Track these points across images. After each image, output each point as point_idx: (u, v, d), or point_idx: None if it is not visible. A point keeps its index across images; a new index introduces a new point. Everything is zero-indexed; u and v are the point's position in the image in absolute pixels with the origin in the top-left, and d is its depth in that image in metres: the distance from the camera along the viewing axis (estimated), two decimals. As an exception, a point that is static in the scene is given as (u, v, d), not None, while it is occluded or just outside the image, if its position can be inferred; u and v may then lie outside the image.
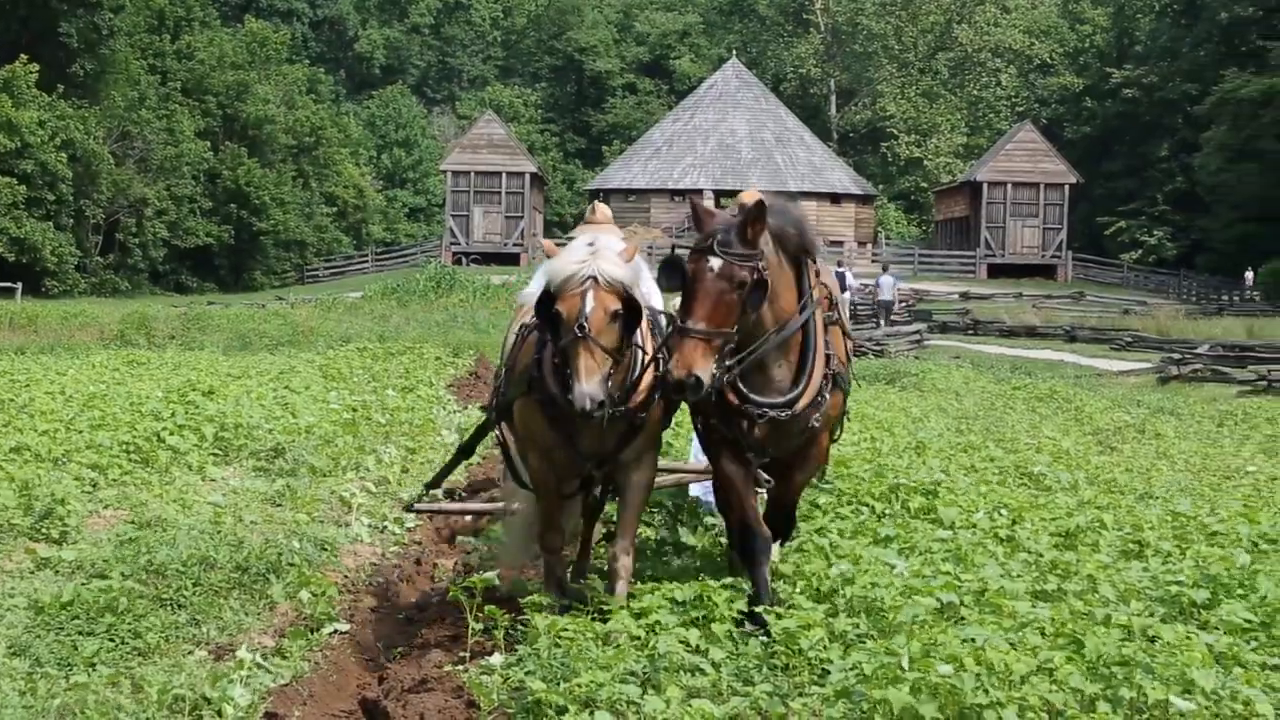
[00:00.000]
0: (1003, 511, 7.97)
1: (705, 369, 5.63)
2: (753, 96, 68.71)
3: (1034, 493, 9.43)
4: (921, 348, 32.89)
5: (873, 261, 58.68)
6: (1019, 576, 6.33)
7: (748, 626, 5.85)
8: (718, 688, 5.08)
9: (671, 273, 5.90)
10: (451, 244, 63.29)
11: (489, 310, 38.45)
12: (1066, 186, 62.13)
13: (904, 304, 43.90)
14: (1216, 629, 5.60)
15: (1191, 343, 30.07)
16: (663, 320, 6.65)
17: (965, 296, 50.35)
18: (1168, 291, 57.75)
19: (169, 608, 6.67)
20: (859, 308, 39.54)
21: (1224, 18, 62.62)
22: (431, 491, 8.46)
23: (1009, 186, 61.94)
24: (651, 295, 6.66)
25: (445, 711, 5.43)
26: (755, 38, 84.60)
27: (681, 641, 5.37)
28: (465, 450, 7.92)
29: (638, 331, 6.13)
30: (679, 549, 7.66)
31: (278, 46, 69.55)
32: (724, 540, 7.17)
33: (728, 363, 5.78)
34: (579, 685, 4.96)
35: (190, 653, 6.21)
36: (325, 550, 8.25)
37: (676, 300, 6.18)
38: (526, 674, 5.27)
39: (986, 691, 4.56)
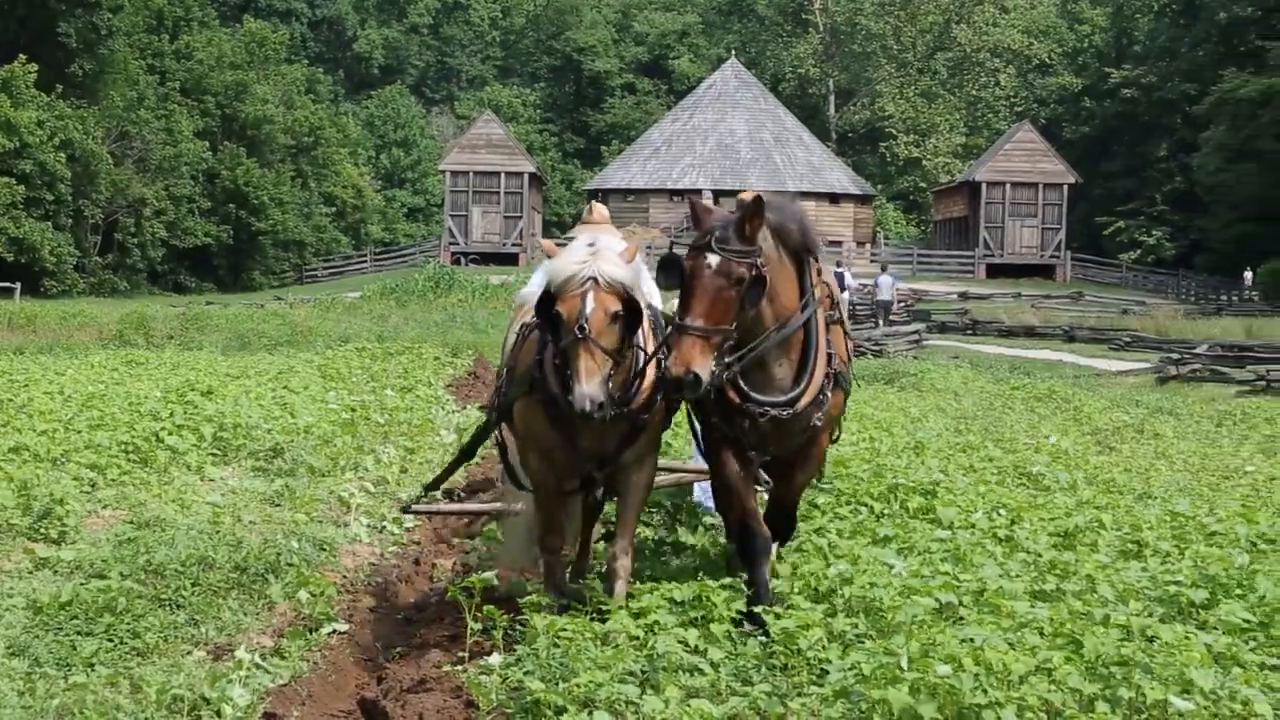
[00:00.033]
0: (1001, 511, 7.97)
1: (704, 366, 5.61)
2: (751, 96, 68.73)
3: (1033, 493, 9.43)
4: (920, 348, 32.90)
5: (871, 261, 58.70)
6: (1017, 576, 6.33)
7: (746, 626, 5.85)
8: (716, 688, 5.08)
9: (669, 271, 5.89)
10: (450, 244, 63.30)
11: (488, 310, 38.46)
12: (1065, 186, 62.15)
13: (902, 304, 43.91)
14: (1215, 629, 5.60)
15: (1190, 343, 30.07)
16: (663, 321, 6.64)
17: (964, 296, 50.37)
18: (1166, 291, 57.78)
19: (168, 608, 6.66)
20: (858, 308, 39.55)
21: (1223, 18, 62.64)
22: (430, 493, 8.45)
23: (1008, 186, 61.96)
24: (652, 295, 6.66)
25: (444, 711, 5.43)
26: (754, 38, 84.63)
27: (680, 641, 5.37)
28: (466, 453, 7.91)
29: (639, 332, 6.12)
30: (678, 549, 7.66)
31: (276, 46, 69.54)
32: (723, 540, 7.16)
33: (727, 360, 5.77)
34: (578, 685, 4.96)
35: (189, 653, 6.21)
36: (324, 550, 8.25)
37: (675, 300, 6.18)
38: (525, 674, 5.26)
39: (985, 691, 4.56)
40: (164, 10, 62.66)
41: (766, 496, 6.87)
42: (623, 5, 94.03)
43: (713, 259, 5.70)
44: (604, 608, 5.94)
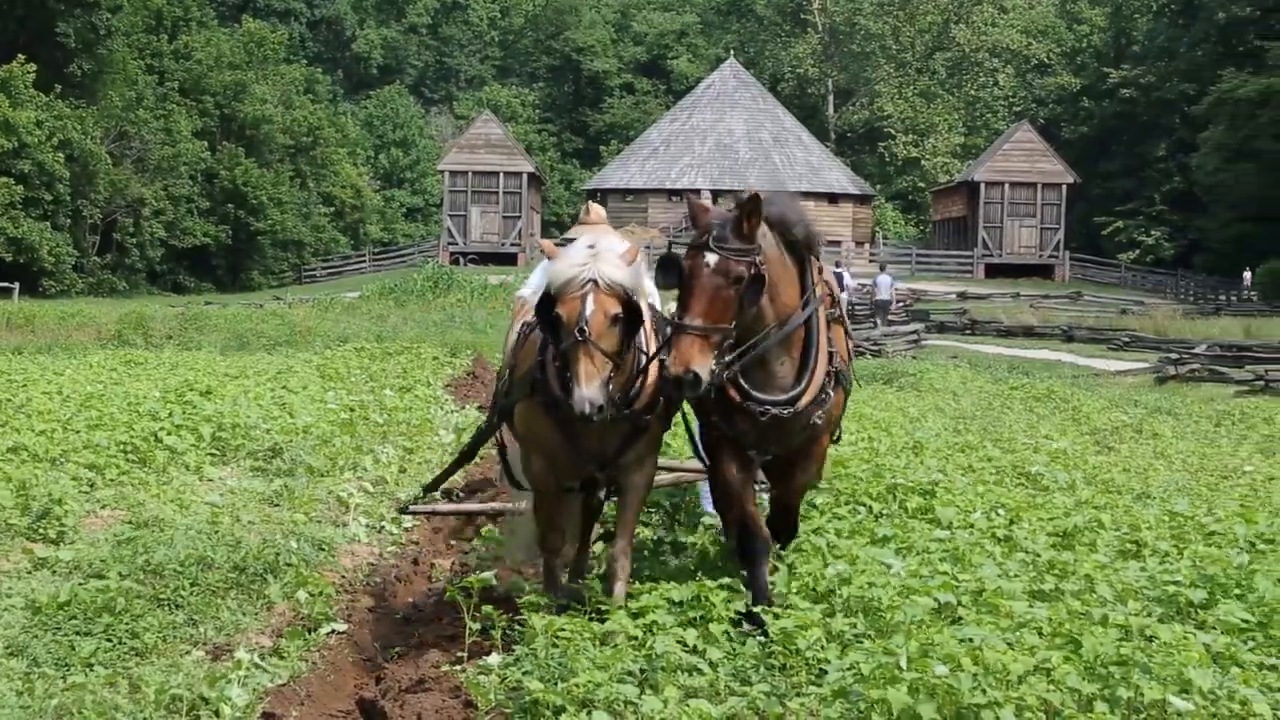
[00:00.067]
0: (1000, 511, 7.97)
1: (703, 365, 5.60)
2: (750, 96, 68.75)
3: (1031, 492, 9.43)
4: (919, 347, 32.90)
5: (870, 261, 58.76)
6: (1016, 576, 6.33)
7: (745, 626, 5.85)
8: (715, 688, 5.08)
9: (668, 270, 5.87)
10: (449, 244, 63.31)
11: (486, 310, 38.45)
12: (1064, 186, 62.19)
13: (901, 304, 43.91)
14: (1214, 629, 5.59)
15: (1189, 343, 30.08)
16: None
17: (963, 296, 50.40)
18: (1165, 291, 57.81)
19: (166, 608, 6.66)
20: (856, 308, 39.55)
21: (1221, 18, 62.68)
22: (429, 494, 8.45)
23: (1006, 186, 62.00)
24: (652, 296, 6.65)
25: (443, 711, 5.43)
26: (753, 38, 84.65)
27: (679, 641, 5.37)
28: (466, 455, 7.90)
29: (640, 334, 6.11)
30: (676, 549, 7.66)
31: (275, 46, 69.54)
32: (723, 539, 7.16)
33: (727, 359, 5.76)
34: (576, 685, 4.96)
35: (188, 653, 6.21)
36: (323, 550, 8.24)
37: (674, 300, 6.17)
38: (524, 674, 5.26)
39: (984, 691, 4.56)
40: (163, 10, 62.68)
41: (766, 499, 6.87)
42: (621, 5, 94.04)
43: (711, 258, 5.69)
44: (603, 608, 5.94)
